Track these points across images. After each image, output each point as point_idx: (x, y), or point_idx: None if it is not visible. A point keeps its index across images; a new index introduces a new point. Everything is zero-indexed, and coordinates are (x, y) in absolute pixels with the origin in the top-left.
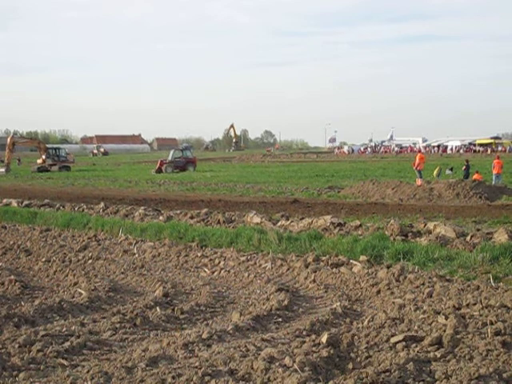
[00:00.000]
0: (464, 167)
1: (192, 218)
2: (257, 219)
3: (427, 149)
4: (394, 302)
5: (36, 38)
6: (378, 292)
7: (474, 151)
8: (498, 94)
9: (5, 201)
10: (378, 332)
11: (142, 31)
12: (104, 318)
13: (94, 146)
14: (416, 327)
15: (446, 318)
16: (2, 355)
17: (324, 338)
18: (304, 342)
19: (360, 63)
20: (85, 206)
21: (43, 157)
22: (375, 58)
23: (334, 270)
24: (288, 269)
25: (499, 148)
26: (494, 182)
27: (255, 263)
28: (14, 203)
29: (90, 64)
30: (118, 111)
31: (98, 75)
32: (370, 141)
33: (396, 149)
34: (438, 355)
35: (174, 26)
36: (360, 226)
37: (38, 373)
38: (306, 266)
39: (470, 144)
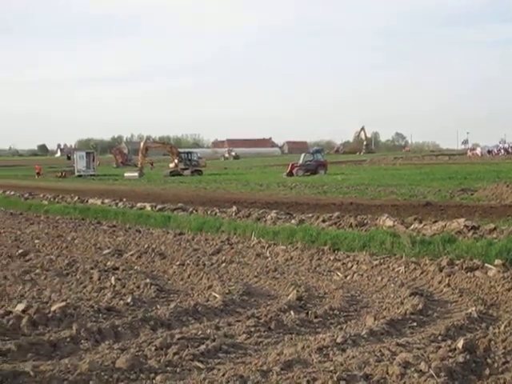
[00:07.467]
0: None
1: (324, 221)
2: (389, 222)
3: None
4: None
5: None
6: None
7: None
8: None
9: (139, 205)
10: None
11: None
12: (238, 321)
13: (225, 149)
14: None
15: None
16: (140, 358)
17: (460, 344)
18: (439, 347)
19: (491, 62)
20: (217, 210)
21: (175, 161)
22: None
23: (469, 273)
24: (421, 272)
25: None
26: None
27: (388, 267)
28: (148, 207)
29: (221, 72)
30: (249, 116)
31: (226, 83)
32: (504, 142)
33: None
34: None
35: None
36: (495, 229)
37: (174, 375)
38: (440, 270)
39: None
